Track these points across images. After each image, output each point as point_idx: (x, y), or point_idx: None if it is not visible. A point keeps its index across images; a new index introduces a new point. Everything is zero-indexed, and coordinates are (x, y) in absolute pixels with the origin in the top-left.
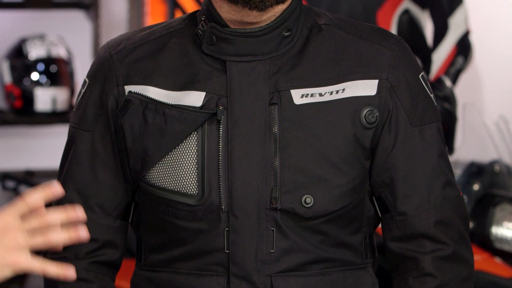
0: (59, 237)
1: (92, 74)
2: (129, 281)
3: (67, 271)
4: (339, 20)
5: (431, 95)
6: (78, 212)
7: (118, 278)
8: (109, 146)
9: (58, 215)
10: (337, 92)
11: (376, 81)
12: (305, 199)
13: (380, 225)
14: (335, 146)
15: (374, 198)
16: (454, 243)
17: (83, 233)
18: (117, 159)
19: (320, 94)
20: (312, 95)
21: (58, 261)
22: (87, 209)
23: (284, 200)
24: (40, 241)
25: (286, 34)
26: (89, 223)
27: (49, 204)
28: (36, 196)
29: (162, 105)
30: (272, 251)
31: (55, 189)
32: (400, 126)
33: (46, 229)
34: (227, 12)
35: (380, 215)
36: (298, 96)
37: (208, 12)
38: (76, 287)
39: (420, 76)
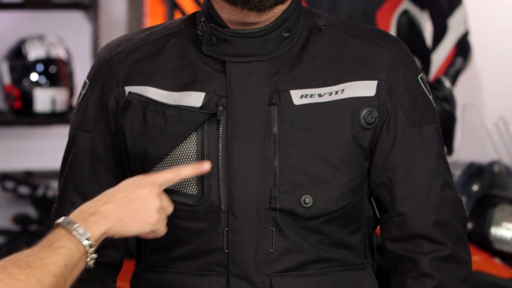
0: (187, 170)
1: (93, 75)
2: (128, 281)
3: (203, 166)
4: (339, 21)
5: (430, 97)
6: (205, 167)
7: (118, 279)
8: (110, 147)
9: (190, 170)
10: (336, 92)
11: (375, 82)
12: (304, 199)
13: (378, 226)
14: (334, 147)
15: (372, 199)
16: (452, 244)
17: (206, 165)
18: (117, 160)
19: (320, 95)
20: (311, 95)
21: None
22: None
23: (284, 200)
24: (170, 173)
25: (286, 35)
26: None
27: (49, 211)
28: (189, 172)
29: (162, 105)
30: (271, 251)
31: (206, 166)
32: (399, 127)
33: None
34: (227, 12)
35: (378, 215)
36: (298, 96)
37: (208, 13)
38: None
39: (419, 77)
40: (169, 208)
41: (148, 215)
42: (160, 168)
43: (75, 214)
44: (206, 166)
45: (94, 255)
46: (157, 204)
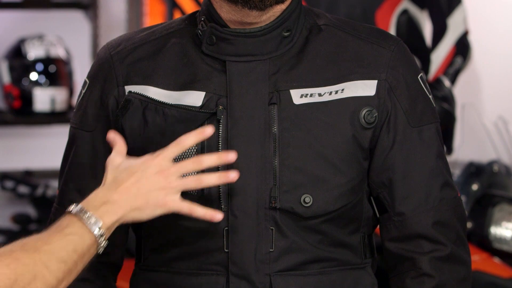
0: (211, 180)
1: (92, 75)
2: (128, 281)
3: (215, 215)
4: (339, 21)
5: (430, 96)
6: (230, 156)
7: (118, 278)
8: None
9: (212, 159)
10: (336, 92)
11: (375, 82)
12: (304, 198)
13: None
14: (334, 146)
15: (372, 198)
16: (451, 243)
17: (233, 174)
18: None
19: (320, 94)
20: (311, 95)
21: None
22: None
23: (283, 200)
24: (192, 182)
25: (286, 34)
26: None
27: (49, 210)
28: (191, 140)
29: (162, 105)
30: (271, 250)
31: (208, 131)
32: (398, 127)
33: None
34: (227, 12)
35: (378, 215)
36: (298, 96)
37: (208, 12)
38: (77, 286)
39: (419, 77)
40: (180, 184)
41: (159, 199)
42: None
43: (87, 202)
44: (208, 131)
45: (105, 243)
46: (168, 186)
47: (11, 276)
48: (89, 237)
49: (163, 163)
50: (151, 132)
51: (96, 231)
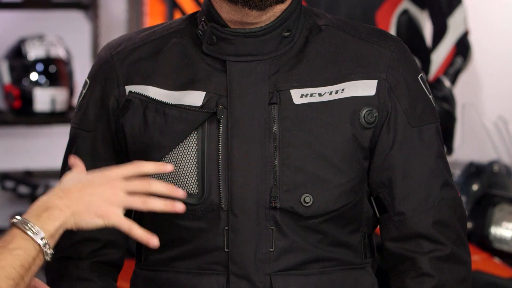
0: (156, 204)
1: (93, 75)
2: (128, 281)
3: (151, 240)
4: (339, 21)
5: (430, 96)
6: (179, 192)
7: (118, 279)
8: (110, 146)
9: (161, 186)
10: (337, 92)
11: (375, 82)
12: (304, 198)
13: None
14: (334, 146)
15: (372, 198)
16: (451, 243)
17: (179, 206)
18: (118, 159)
19: (320, 94)
20: (311, 95)
21: (59, 260)
22: None
23: (284, 199)
24: (137, 201)
25: (286, 34)
26: None
27: None
28: (150, 168)
29: (163, 104)
30: (271, 250)
31: (168, 168)
32: (398, 127)
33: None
34: (227, 12)
35: (378, 215)
36: (298, 96)
37: (208, 12)
38: (78, 286)
39: (419, 77)
40: (125, 200)
41: (101, 209)
42: (160, 159)
43: (30, 211)
44: (168, 168)
45: (51, 251)
46: (112, 199)
47: None
48: (34, 247)
49: (113, 177)
50: (151, 132)
51: (40, 241)
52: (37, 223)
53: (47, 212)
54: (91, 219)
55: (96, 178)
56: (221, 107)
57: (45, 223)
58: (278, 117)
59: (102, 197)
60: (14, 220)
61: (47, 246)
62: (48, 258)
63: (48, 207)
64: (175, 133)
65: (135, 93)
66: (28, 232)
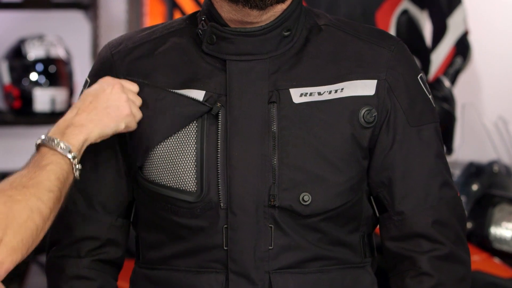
0: None
1: (94, 74)
2: (128, 281)
3: None
4: (339, 21)
5: (430, 96)
6: None
7: (118, 278)
8: (111, 144)
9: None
10: (336, 91)
11: (375, 81)
12: (303, 196)
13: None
14: (333, 145)
15: (372, 198)
16: (451, 243)
17: None
18: (118, 157)
19: (319, 93)
20: (311, 94)
21: (59, 259)
22: (89, 208)
23: (282, 198)
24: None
25: (286, 34)
26: (91, 222)
27: None
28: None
29: (163, 90)
30: (270, 248)
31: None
32: (398, 126)
33: None
34: (227, 11)
35: (378, 214)
36: (297, 95)
37: (208, 12)
38: (78, 285)
39: (418, 77)
40: (138, 100)
41: (120, 109)
42: (159, 163)
43: (53, 130)
44: None
45: (79, 166)
46: (124, 97)
47: (9, 214)
48: (65, 161)
49: (115, 81)
50: (152, 115)
51: (69, 155)
52: (62, 139)
53: (70, 129)
54: (114, 124)
55: (101, 85)
56: (219, 104)
57: (70, 138)
58: (277, 116)
59: (114, 98)
60: (40, 140)
61: (76, 161)
62: (77, 175)
63: (70, 124)
64: (175, 116)
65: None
66: (57, 148)
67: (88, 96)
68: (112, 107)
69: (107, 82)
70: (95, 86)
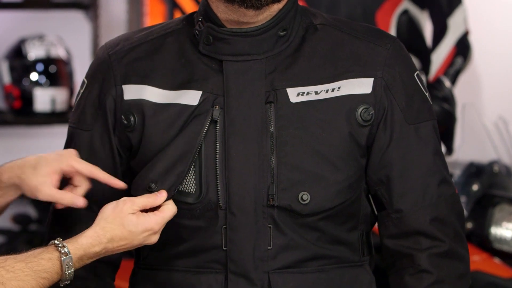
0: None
1: (91, 75)
2: (127, 281)
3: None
4: (335, 20)
5: (427, 94)
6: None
7: (118, 278)
8: (107, 145)
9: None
10: (333, 90)
11: (372, 80)
12: (302, 196)
13: (376, 224)
14: (331, 144)
15: (370, 196)
16: (449, 240)
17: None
18: (115, 158)
19: (316, 92)
20: (308, 93)
21: None
22: (86, 209)
23: (281, 197)
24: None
25: (282, 33)
26: (88, 222)
27: (48, 211)
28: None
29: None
30: (269, 248)
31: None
32: (395, 124)
33: None
34: (223, 12)
35: (376, 212)
36: (294, 94)
37: (205, 12)
38: (74, 285)
39: (415, 74)
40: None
41: (145, 240)
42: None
43: (76, 252)
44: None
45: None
46: (148, 241)
47: None
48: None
49: (153, 230)
50: (149, 126)
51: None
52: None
53: (91, 260)
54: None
55: (137, 228)
56: (217, 107)
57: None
58: (274, 115)
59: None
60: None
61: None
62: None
63: (95, 255)
64: (172, 126)
65: (130, 100)
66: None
67: (126, 235)
68: (129, 246)
69: (143, 229)
70: (133, 224)
